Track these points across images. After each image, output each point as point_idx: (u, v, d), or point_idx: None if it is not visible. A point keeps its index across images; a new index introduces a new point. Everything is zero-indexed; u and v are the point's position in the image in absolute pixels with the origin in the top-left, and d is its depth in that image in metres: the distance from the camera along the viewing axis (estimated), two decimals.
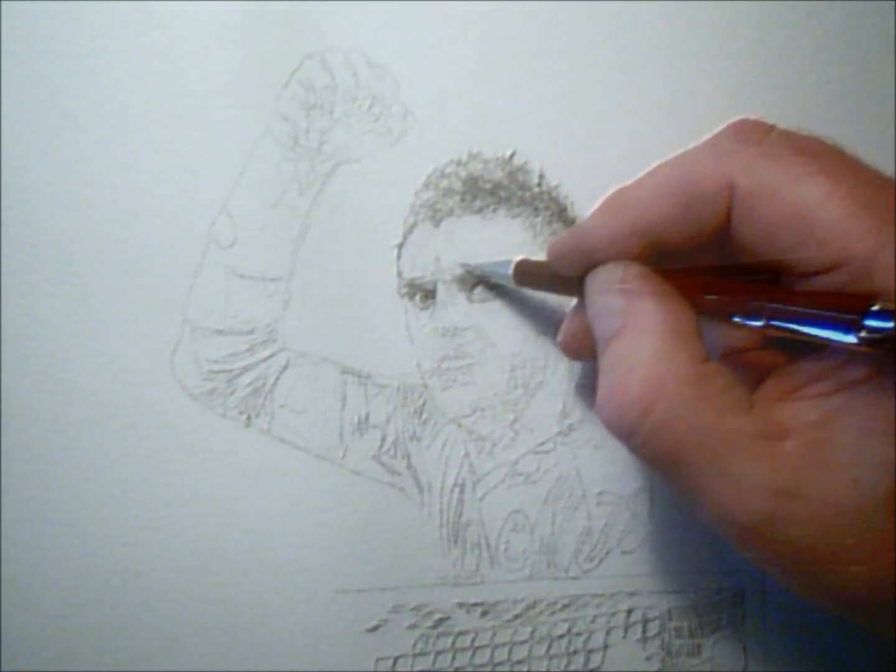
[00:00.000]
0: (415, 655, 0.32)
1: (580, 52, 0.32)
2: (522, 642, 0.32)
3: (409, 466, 0.32)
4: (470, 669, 0.32)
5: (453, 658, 0.32)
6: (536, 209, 0.32)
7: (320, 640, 0.31)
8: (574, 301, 0.29)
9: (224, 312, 0.31)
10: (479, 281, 0.32)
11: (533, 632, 0.32)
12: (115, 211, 0.30)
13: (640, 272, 0.25)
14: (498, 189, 0.32)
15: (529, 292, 0.32)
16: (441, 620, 0.32)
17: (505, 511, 0.32)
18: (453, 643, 0.32)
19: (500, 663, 0.32)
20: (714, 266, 0.26)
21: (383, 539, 0.31)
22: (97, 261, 0.30)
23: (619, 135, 0.32)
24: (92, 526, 0.30)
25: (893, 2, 0.34)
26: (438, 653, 0.32)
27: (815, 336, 0.22)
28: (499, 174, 0.32)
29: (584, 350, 0.28)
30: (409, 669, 0.32)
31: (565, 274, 0.27)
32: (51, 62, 0.30)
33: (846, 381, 0.23)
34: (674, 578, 0.33)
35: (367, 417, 0.31)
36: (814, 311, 0.22)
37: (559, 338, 0.30)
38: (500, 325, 0.32)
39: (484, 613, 0.32)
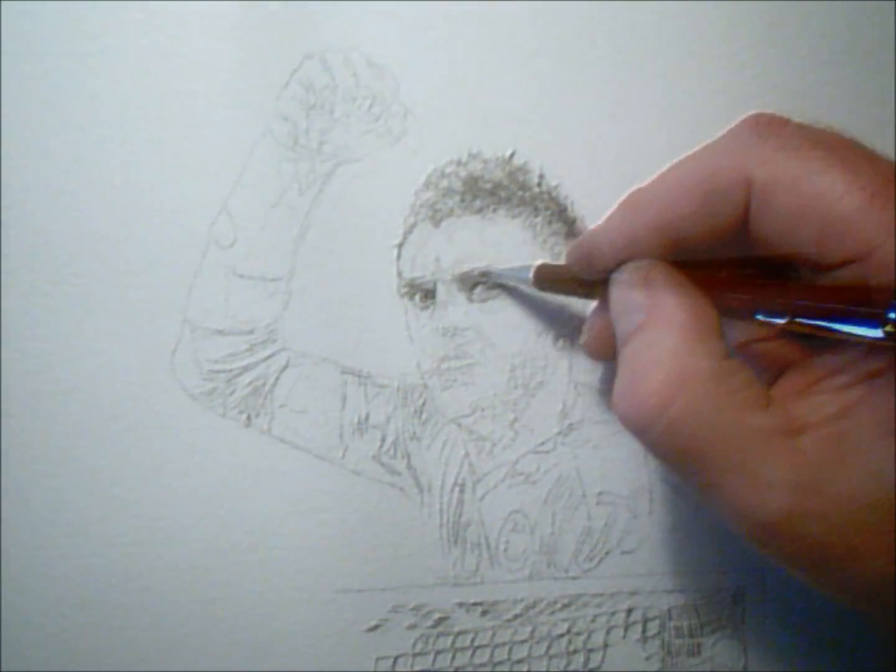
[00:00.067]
0: (415, 655, 0.32)
1: (580, 52, 0.32)
2: (522, 642, 0.32)
3: (409, 466, 0.32)
4: (470, 669, 0.32)
5: (453, 658, 0.32)
6: (536, 209, 0.32)
7: (320, 640, 0.31)
8: (594, 304, 0.29)
9: (224, 312, 0.31)
10: (478, 281, 0.32)
11: (533, 631, 0.32)
12: (115, 211, 0.30)
13: (662, 269, 0.25)
14: (498, 189, 0.32)
15: (529, 292, 0.32)
16: (441, 620, 0.32)
17: (505, 511, 0.32)
18: (453, 643, 0.32)
19: (500, 663, 0.32)
20: (733, 261, 0.26)
21: (383, 539, 0.31)
22: (97, 261, 0.30)
23: (619, 135, 0.32)
24: (92, 526, 0.30)
25: (893, 2, 0.34)
26: (438, 652, 0.32)
27: (840, 331, 0.22)
28: (499, 174, 0.32)
29: (607, 350, 0.28)
30: (409, 669, 0.32)
31: (586, 276, 0.27)
32: (51, 62, 0.30)
33: (864, 374, 0.23)
34: (674, 578, 0.33)
35: (367, 417, 0.31)
36: (838, 306, 0.22)
37: (582, 339, 0.30)
38: (500, 325, 0.32)
39: (484, 613, 0.32)
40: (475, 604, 0.32)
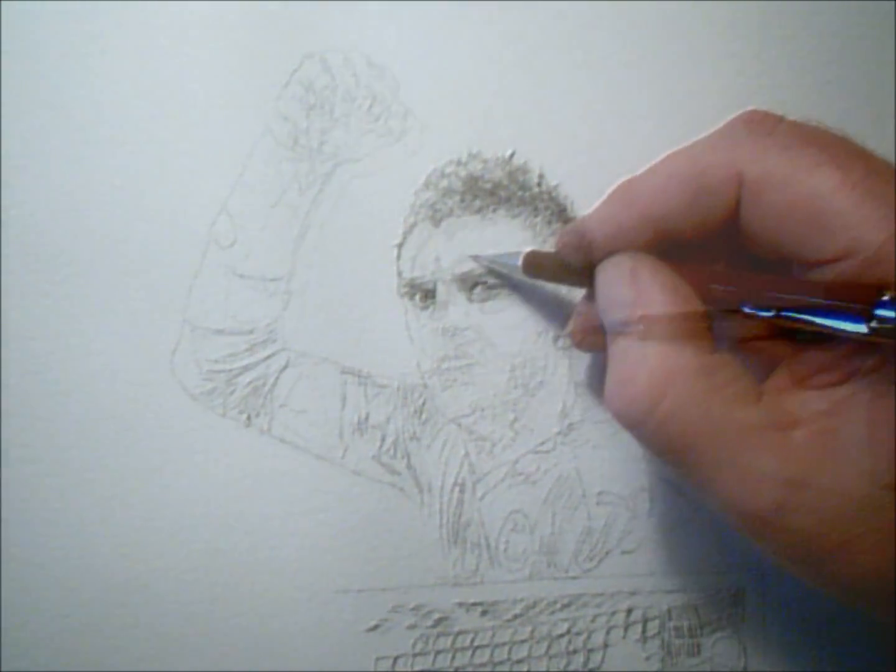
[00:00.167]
0: (415, 655, 0.32)
1: (580, 52, 0.32)
2: (522, 642, 0.32)
3: (409, 466, 0.32)
4: (470, 669, 0.32)
5: (453, 658, 0.32)
6: (536, 209, 0.32)
7: (320, 640, 0.31)
8: (583, 292, 0.29)
9: (224, 312, 0.31)
10: (478, 281, 0.32)
11: (533, 631, 0.32)
12: (115, 211, 0.30)
13: (648, 262, 0.25)
14: (498, 189, 0.32)
15: (530, 292, 0.32)
16: (441, 620, 0.32)
17: (505, 511, 0.32)
18: (453, 643, 0.32)
19: (500, 663, 0.32)
20: (723, 256, 0.26)
21: (383, 539, 0.31)
22: (97, 261, 0.30)
23: (619, 135, 0.32)
24: (92, 526, 0.30)
25: (893, 2, 0.34)
26: (438, 652, 0.32)
27: (826, 326, 0.22)
28: (499, 174, 0.32)
29: (593, 341, 0.28)
30: (409, 669, 0.32)
31: (574, 264, 0.27)
32: (51, 62, 0.30)
33: (855, 370, 0.23)
34: (674, 578, 0.33)
35: (367, 417, 0.31)
36: (824, 301, 0.22)
37: (568, 329, 0.30)
38: (499, 325, 0.32)
39: (484, 613, 0.32)
40: (475, 604, 0.32)
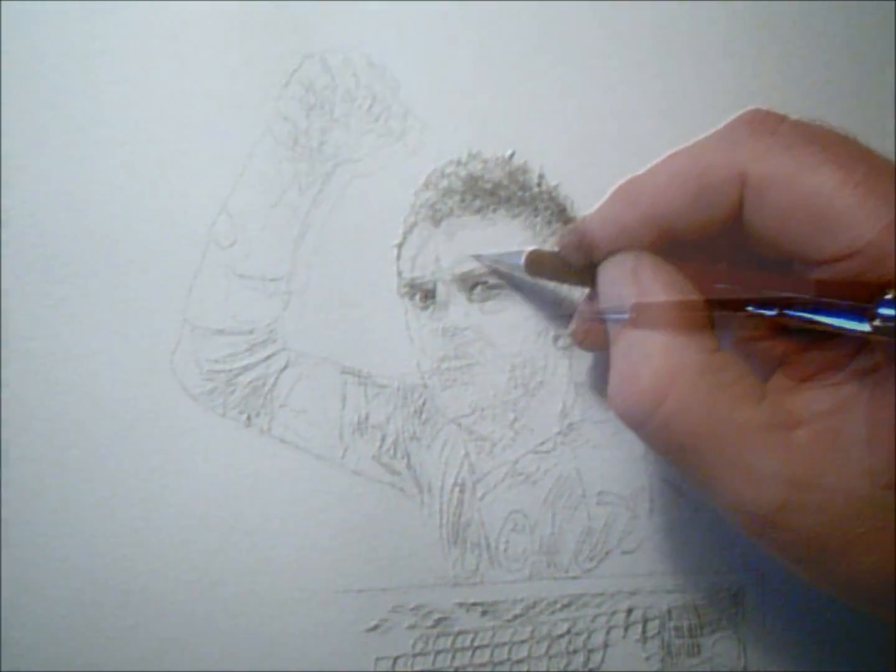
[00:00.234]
0: (415, 655, 0.32)
1: (580, 52, 0.32)
2: (522, 642, 0.32)
3: (409, 466, 0.32)
4: (470, 669, 0.32)
5: (453, 658, 0.32)
6: (536, 209, 0.32)
7: (320, 640, 0.31)
8: (585, 292, 0.29)
9: (224, 312, 0.31)
10: (478, 281, 0.32)
11: (533, 631, 0.32)
12: (116, 211, 0.30)
13: (650, 261, 0.25)
14: (498, 189, 0.32)
15: (530, 292, 0.32)
16: (441, 620, 0.32)
17: (505, 511, 0.32)
18: (453, 643, 0.32)
19: (500, 663, 0.32)
20: (725, 256, 0.26)
21: (383, 539, 0.31)
22: (97, 261, 0.30)
23: (619, 135, 0.32)
24: (92, 526, 0.30)
25: (893, 2, 0.34)
26: (438, 653, 0.32)
27: (829, 325, 0.22)
28: (499, 174, 0.32)
29: (595, 341, 0.28)
30: (409, 669, 0.32)
31: (576, 263, 0.27)
32: (51, 62, 0.30)
33: (858, 369, 0.23)
34: (674, 578, 0.33)
35: (366, 417, 0.31)
36: (827, 299, 0.22)
37: (570, 328, 0.30)
38: (499, 325, 0.32)
39: (484, 613, 0.32)
40: (475, 604, 0.32)
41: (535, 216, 0.32)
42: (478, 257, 0.31)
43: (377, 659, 0.31)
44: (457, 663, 0.32)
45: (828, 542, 0.22)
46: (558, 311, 0.32)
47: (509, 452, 0.32)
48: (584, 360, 0.32)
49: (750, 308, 0.24)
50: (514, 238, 0.32)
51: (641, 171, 0.26)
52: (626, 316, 0.24)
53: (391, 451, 0.32)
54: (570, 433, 0.32)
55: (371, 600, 0.31)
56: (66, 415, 0.30)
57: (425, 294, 0.32)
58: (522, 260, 0.29)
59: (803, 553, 0.22)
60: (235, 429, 0.31)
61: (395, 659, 0.31)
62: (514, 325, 0.32)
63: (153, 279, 0.30)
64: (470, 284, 0.32)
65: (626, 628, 0.33)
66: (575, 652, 0.32)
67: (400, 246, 0.31)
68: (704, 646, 0.33)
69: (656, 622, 0.33)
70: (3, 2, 0.29)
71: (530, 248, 0.29)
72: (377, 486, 0.31)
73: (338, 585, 0.31)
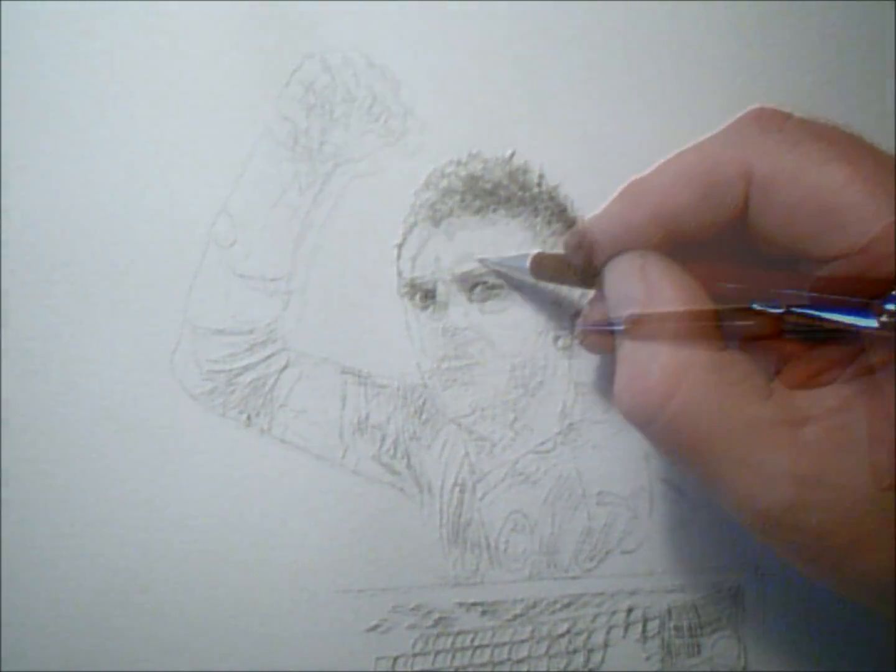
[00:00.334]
0: (415, 655, 0.32)
1: (580, 52, 0.32)
2: (522, 642, 0.32)
3: (409, 466, 0.32)
4: (470, 669, 0.32)
5: (453, 658, 0.32)
6: (536, 209, 0.32)
7: (320, 640, 0.31)
8: (591, 294, 0.29)
9: (224, 312, 0.31)
10: (478, 281, 0.32)
11: (533, 631, 0.32)
12: (116, 211, 0.30)
13: (657, 260, 0.25)
14: (498, 189, 0.32)
15: (530, 292, 0.32)
16: (441, 620, 0.32)
17: (505, 511, 0.32)
18: (453, 643, 0.32)
19: (500, 663, 0.32)
20: (731, 254, 0.26)
21: (383, 539, 0.31)
22: (97, 261, 0.30)
23: (619, 135, 0.32)
24: (92, 526, 0.30)
25: (893, 2, 0.34)
26: (438, 652, 0.32)
27: (837, 321, 0.22)
28: (499, 174, 0.32)
29: (602, 342, 0.28)
30: (409, 669, 0.32)
31: (583, 265, 0.27)
32: (51, 62, 0.30)
33: (866, 365, 0.23)
34: (674, 578, 0.33)
35: (367, 417, 0.31)
36: (834, 296, 0.22)
37: (577, 330, 0.30)
38: (499, 325, 0.32)
39: (484, 613, 0.32)
40: (475, 604, 0.32)
41: (535, 216, 0.32)
42: (482, 260, 0.31)
43: (377, 659, 0.31)
44: (457, 663, 0.32)
45: (836, 540, 0.22)
46: (558, 312, 0.32)
47: (509, 452, 0.32)
48: (584, 360, 0.32)
49: (756, 306, 0.24)
50: (513, 238, 0.32)
51: (647, 171, 0.26)
52: (634, 311, 0.24)
53: (391, 451, 0.32)
54: (570, 433, 0.32)
55: (371, 600, 0.31)
56: (66, 415, 0.30)
57: (425, 294, 0.32)
58: (528, 263, 0.29)
59: (812, 552, 0.22)
60: (235, 429, 0.31)
61: (395, 659, 0.31)
62: (514, 325, 0.32)
63: (153, 279, 0.30)
64: (470, 284, 0.32)
65: (626, 628, 0.33)
66: (575, 652, 0.32)
67: (400, 246, 0.31)
68: (704, 646, 0.33)
69: (656, 622, 0.33)
70: (3, 2, 0.29)
71: (535, 251, 0.29)
72: (377, 486, 0.31)
73: (338, 585, 0.31)
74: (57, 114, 0.30)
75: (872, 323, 0.21)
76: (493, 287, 0.32)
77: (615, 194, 0.26)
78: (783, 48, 0.33)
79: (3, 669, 0.30)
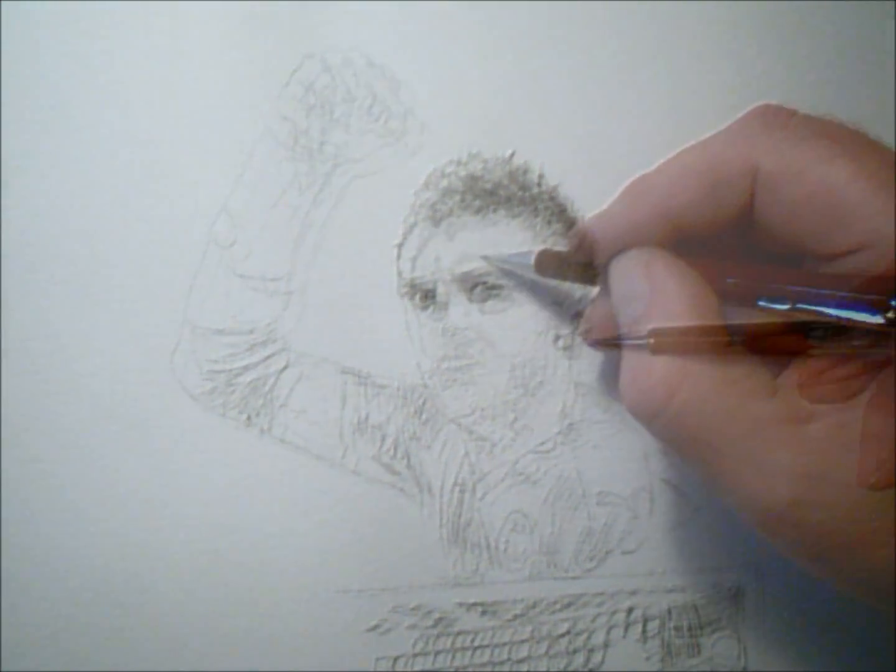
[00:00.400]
0: (415, 655, 0.32)
1: (580, 52, 0.32)
2: (522, 642, 0.32)
3: (409, 466, 0.32)
4: (470, 669, 0.32)
5: (453, 658, 0.32)
6: (536, 209, 0.32)
7: (320, 640, 0.31)
8: (595, 292, 0.29)
9: (224, 312, 0.31)
10: (479, 281, 0.32)
11: (533, 631, 0.32)
12: (116, 211, 0.30)
13: (662, 256, 0.25)
14: (498, 189, 0.32)
15: (530, 292, 0.32)
16: (441, 620, 0.32)
17: (505, 511, 0.32)
18: (453, 643, 0.32)
19: (500, 663, 0.32)
20: (736, 251, 0.26)
21: (383, 539, 0.31)
22: (97, 261, 0.30)
23: (619, 134, 0.32)
24: (92, 526, 0.30)
25: (893, 2, 0.34)
26: (438, 653, 0.32)
27: (842, 318, 0.22)
28: (499, 174, 0.32)
29: (607, 340, 0.28)
30: (409, 669, 0.32)
31: (587, 262, 0.27)
32: (51, 62, 0.30)
33: (869, 364, 0.23)
34: (674, 578, 0.33)
35: (366, 417, 0.31)
36: (840, 293, 0.22)
37: (581, 327, 0.30)
38: (499, 325, 0.32)
39: (484, 613, 0.32)
40: (475, 604, 0.32)
41: (535, 216, 0.32)
42: (486, 258, 0.31)
43: (377, 659, 0.31)
44: (457, 663, 0.32)
45: (841, 536, 0.22)
46: (558, 312, 0.32)
47: (509, 452, 0.32)
48: (584, 360, 0.32)
49: (762, 303, 0.24)
50: (514, 238, 0.32)
51: (652, 168, 0.26)
52: (638, 310, 0.24)
53: (391, 452, 0.32)
54: (570, 433, 0.32)
55: (371, 600, 0.31)
56: (66, 415, 0.30)
57: (425, 294, 0.32)
58: (532, 260, 0.29)
59: (816, 549, 0.22)
60: (235, 429, 0.31)
61: (395, 659, 0.31)
62: (514, 325, 0.32)
63: (153, 279, 0.30)
64: (470, 284, 0.32)
65: (627, 628, 0.33)
66: (575, 652, 0.32)
67: (400, 246, 0.31)
68: (704, 646, 0.33)
69: (656, 622, 0.33)
70: (3, 2, 0.29)
71: (540, 247, 0.29)
72: (377, 486, 0.31)
73: (338, 585, 0.31)
74: (57, 114, 0.30)
75: (878, 319, 0.21)
76: (493, 287, 0.32)
77: (619, 192, 0.26)
78: (784, 47, 0.33)
79: (3, 669, 0.30)
